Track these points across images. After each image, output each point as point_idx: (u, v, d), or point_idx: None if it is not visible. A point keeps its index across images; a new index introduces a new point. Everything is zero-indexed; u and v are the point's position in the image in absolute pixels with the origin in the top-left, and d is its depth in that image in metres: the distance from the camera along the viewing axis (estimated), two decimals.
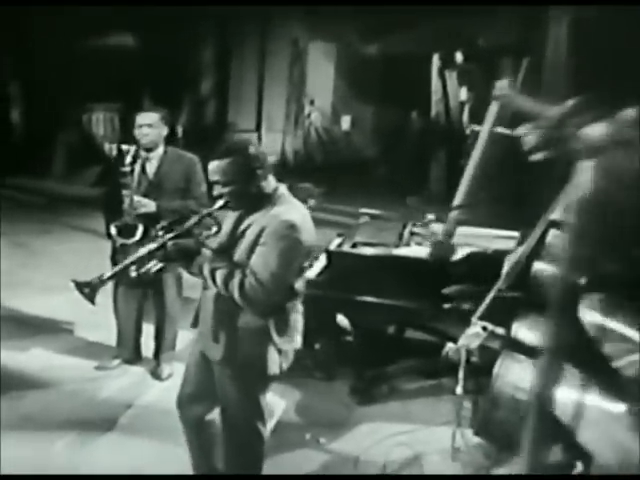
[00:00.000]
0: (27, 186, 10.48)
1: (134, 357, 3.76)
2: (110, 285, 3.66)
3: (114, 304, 3.69)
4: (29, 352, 3.72)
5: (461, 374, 2.91)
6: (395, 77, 11.06)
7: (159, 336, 3.71)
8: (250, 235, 2.10)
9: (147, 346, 3.77)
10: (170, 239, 2.02)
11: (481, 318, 3.00)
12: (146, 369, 3.71)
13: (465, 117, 10.95)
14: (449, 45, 10.71)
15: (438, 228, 4.21)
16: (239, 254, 2.12)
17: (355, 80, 11.92)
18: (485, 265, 3.27)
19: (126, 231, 3.33)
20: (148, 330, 3.76)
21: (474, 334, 2.96)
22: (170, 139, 12.11)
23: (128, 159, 3.40)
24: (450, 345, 3.12)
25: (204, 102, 12.59)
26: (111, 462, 2.81)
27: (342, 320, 3.79)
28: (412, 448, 3.09)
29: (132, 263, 2.03)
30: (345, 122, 12.39)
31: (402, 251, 3.54)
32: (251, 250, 2.09)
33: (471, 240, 3.72)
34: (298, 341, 2.34)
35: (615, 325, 2.05)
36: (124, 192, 3.37)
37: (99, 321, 3.91)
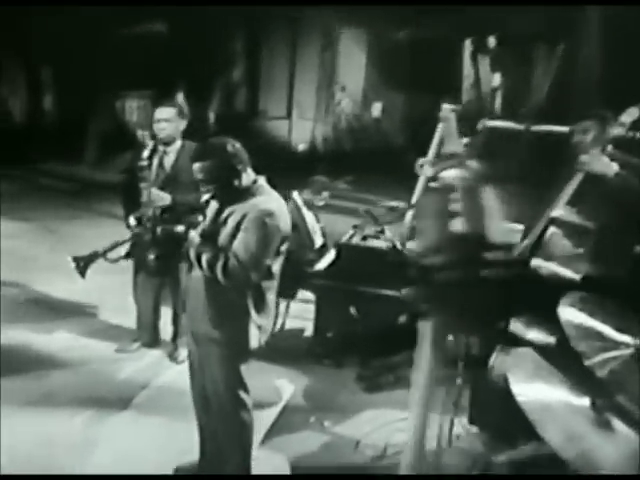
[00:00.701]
0: (60, 172, 10.91)
1: (153, 341, 3.99)
2: (131, 272, 3.93)
3: (134, 291, 3.92)
4: (54, 333, 4.00)
5: (460, 366, 3.04)
6: (426, 63, 11.02)
7: (176, 321, 3.93)
8: (232, 222, 2.33)
9: (165, 330, 4.01)
10: (160, 226, 2.23)
11: None
12: (164, 352, 3.94)
13: (497, 104, 10.89)
14: (482, 30, 10.63)
15: None
16: (222, 239, 2.34)
17: (386, 66, 11.90)
18: None
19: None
20: (167, 315, 3.99)
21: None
22: (202, 126, 12.37)
23: (146, 153, 3.59)
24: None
25: (236, 89, 12.79)
26: (125, 438, 3.05)
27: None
28: None
29: (121, 243, 2.24)
30: (376, 109, 12.37)
31: (408, 244, 3.66)
32: (233, 236, 2.31)
33: None
34: (272, 317, 2.55)
35: (593, 323, 2.14)
36: (142, 185, 3.56)
37: (121, 306, 4.17)
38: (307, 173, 10.98)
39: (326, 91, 12.23)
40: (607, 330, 2.13)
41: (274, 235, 2.34)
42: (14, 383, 3.36)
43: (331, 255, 3.73)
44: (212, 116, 12.97)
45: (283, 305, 4.36)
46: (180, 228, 2.33)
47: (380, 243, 3.73)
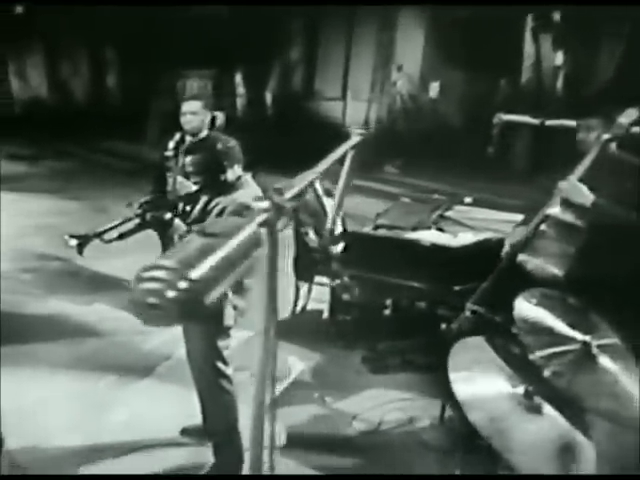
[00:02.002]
0: (121, 152, 11.60)
1: None
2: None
3: None
4: (92, 305, 4.51)
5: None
6: (486, 41, 10.88)
7: None
8: (214, 213, 2.64)
9: None
10: (150, 211, 2.58)
11: (478, 302, 3.35)
12: None
13: (559, 84, 10.68)
14: (545, 4, 10.38)
15: (476, 212, 4.53)
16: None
17: (445, 45, 11.78)
18: (489, 251, 3.56)
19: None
20: None
21: (464, 318, 3.33)
22: (258, 103, 12.75)
23: (172, 144, 3.98)
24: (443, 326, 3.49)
25: (293, 69, 13.07)
26: (141, 402, 3.49)
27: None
28: (407, 413, 3.54)
29: (116, 226, 2.60)
30: (433, 89, 12.31)
31: (413, 234, 3.90)
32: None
33: (483, 224, 4.01)
34: (250, 298, 2.87)
35: (545, 318, 2.34)
36: (168, 174, 3.97)
37: None
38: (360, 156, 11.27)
39: (382, 71, 12.29)
40: (558, 325, 2.33)
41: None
42: (51, 348, 3.91)
43: (342, 243, 4.02)
44: (269, 96, 13.36)
45: (305, 288, 4.72)
46: (168, 215, 2.68)
47: (385, 232, 3.98)
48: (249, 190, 2.72)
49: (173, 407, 3.37)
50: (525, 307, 2.37)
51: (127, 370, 3.76)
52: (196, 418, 3.10)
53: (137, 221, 2.61)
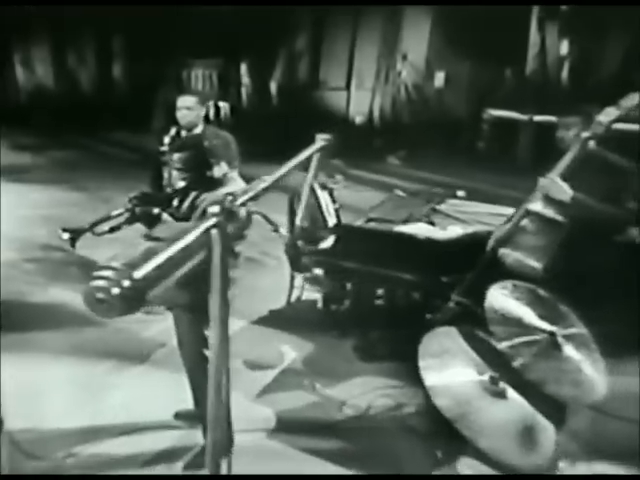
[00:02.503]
0: (127, 142, 11.79)
1: None
2: None
3: None
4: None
5: None
6: (493, 30, 10.87)
7: None
8: (200, 208, 2.78)
9: None
10: (139, 206, 2.73)
11: (462, 294, 3.50)
12: None
13: (565, 74, 10.71)
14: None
15: (468, 206, 4.66)
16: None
17: (451, 34, 11.75)
18: (475, 244, 3.69)
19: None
20: None
21: (448, 309, 3.48)
22: (263, 93, 12.92)
23: (167, 139, 4.11)
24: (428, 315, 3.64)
25: (298, 59, 13.17)
26: (137, 387, 3.67)
27: None
28: (394, 400, 3.70)
29: (107, 219, 2.75)
30: (439, 79, 12.33)
31: (403, 228, 4.04)
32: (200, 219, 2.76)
33: (474, 217, 4.14)
34: (234, 290, 3.02)
35: (515, 309, 2.48)
36: (163, 168, 4.11)
37: None
38: (363, 146, 11.36)
39: (387, 60, 12.33)
40: (527, 316, 2.48)
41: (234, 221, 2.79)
42: (52, 335, 4.10)
43: (332, 236, 4.18)
44: (274, 86, 13.48)
45: (300, 278, 4.89)
46: (156, 210, 2.83)
47: (375, 225, 4.12)
48: (234, 186, 2.87)
49: (167, 392, 3.54)
50: (496, 298, 2.52)
51: (124, 357, 3.95)
52: (188, 403, 3.27)
53: (127, 215, 2.76)
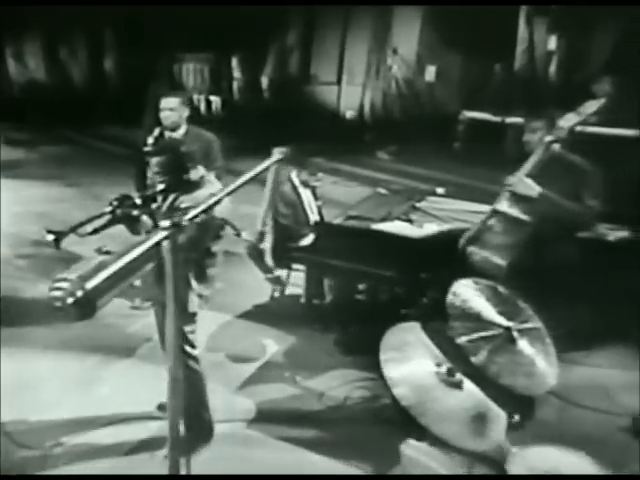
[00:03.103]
0: (119, 137, 11.88)
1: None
2: None
3: None
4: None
5: None
6: (483, 25, 10.95)
7: None
8: (180, 209, 2.94)
9: None
10: (120, 208, 2.88)
11: (436, 290, 3.67)
12: None
13: (552, 69, 10.83)
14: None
15: (447, 203, 4.83)
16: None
17: (442, 28, 11.78)
18: (448, 242, 3.86)
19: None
20: None
21: (422, 305, 3.66)
22: (254, 87, 12.98)
23: (150, 140, 4.26)
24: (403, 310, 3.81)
25: (289, 53, 13.25)
26: (123, 380, 3.85)
27: None
28: (371, 391, 3.88)
29: (90, 221, 2.90)
30: (429, 73, 12.37)
31: (380, 226, 4.20)
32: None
33: (452, 215, 4.32)
34: (215, 287, 3.20)
35: (474, 305, 2.65)
36: (147, 168, 4.26)
37: None
38: (353, 141, 11.49)
39: (378, 54, 12.38)
40: (486, 312, 2.65)
41: (209, 223, 2.96)
42: (41, 330, 4.27)
43: (312, 234, 4.35)
44: (265, 80, 13.59)
45: (284, 274, 5.06)
46: (135, 212, 2.98)
47: (354, 223, 4.29)
48: (210, 188, 3.02)
49: (151, 384, 3.67)
50: (457, 295, 2.69)
51: (111, 351, 4.13)
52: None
53: (109, 217, 2.91)
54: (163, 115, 4.41)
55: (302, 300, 4.93)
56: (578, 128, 3.32)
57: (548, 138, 3.34)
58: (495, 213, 3.50)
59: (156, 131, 4.37)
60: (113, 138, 11.92)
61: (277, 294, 5.03)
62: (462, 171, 8.84)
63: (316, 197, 4.96)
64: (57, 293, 1.26)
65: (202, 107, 14.03)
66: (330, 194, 7.44)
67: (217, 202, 1.73)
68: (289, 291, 5.09)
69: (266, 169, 2.01)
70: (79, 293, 1.25)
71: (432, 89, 12.30)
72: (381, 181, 9.24)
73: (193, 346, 3.23)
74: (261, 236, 3.38)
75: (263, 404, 3.72)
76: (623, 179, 4.41)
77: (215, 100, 13.97)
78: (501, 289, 2.76)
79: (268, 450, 3.34)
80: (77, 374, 3.90)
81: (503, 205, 3.47)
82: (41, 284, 5.08)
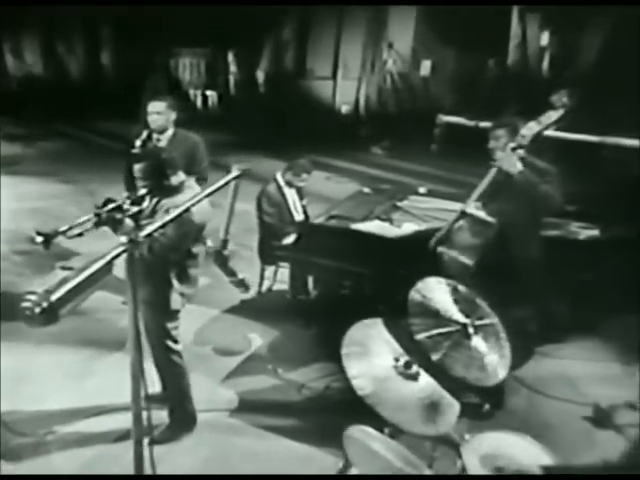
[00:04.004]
0: (114, 131, 12.08)
1: None
2: None
3: None
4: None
5: None
6: (476, 21, 11.07)
7: None
8: (159, 214, 3.17)
9: None
10: (106, 211, 3.11)
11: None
12: None
13: (545, 65, 11.01)
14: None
15: (428, 202, 5.05)
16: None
17: (437, 23, 11.80)
18: (422, 242, 4.07)
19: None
20: None
21: (398, 301, 3.88)
22: (250, 82, 13.21)
23: (138, 142, 4.50)
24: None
25: (284, 48, 13.43)
26: (113, 372, 4.09)
27: None
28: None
29: (77, 224, 3.12)
30: (425, 67, 12.51)
31: (359, 225, 4.44)
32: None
33: (432, 214, 4.55)
34: (196, 286, 3.44)
35: (437, 303, 2.88)
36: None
37: None
38: (348, 136, 11.68)
39: (373, 49, 12.54)
40: (444, 310, 2.88)
41: (189, 227, 3.18)
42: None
43: (294, 233, 4.60)
44: (261, 75, 13.79)
45: (271, 271, 5.31)
46: (119, 215, 3.20)
47: (335, 223, 4.52)
48: (190, 193, 3.24)
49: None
50: (418, 293, 2.92)
51: (102, 344, 4.38)
52: (157, 386, 3.70)
53: (94, 220, 3.13)
54: (150, 119, 4.63)
55: (288, 296, 5.17)
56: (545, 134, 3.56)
57: (511, 145, 3.58)
58: (463, 215, 3.73)
59: (144, 134, 4.64)
60: (109, 133, 12.14)
61: (264, 290, 5.28)
62: (454, 167, 9.04)
63: (301, 197, 5.20)
64: (27, 304, 1.52)
65: (198, 102, 14.25)
66: (322, 190, 7.70)
67: (172, 219, 1.96)
68: (276, 287, 5.35)
69: (226, 184, 2.24)
70: (45, 304, 1.51)
71: (427, 84, 12.47)
72: (374, 177, 9.49)
73: (176, 342, 3.47)
74: (224, 243, 3.62)
75: (245, 394, 3.98)
76: (591, 181, 4.65)
77: (211, 95, 14.19)
78: (460, 287, 2.98)
79: (248, 437, 3.59)
80: (70, 367, 4.16)
81: (471, 207, 3.70)
82: (37, 280, 5.33)
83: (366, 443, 2.44)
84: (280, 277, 5.30)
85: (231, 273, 3.83)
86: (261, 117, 12.32)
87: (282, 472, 3.31)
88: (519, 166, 3.59)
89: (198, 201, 2.06)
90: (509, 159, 3.60)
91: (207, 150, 4.85)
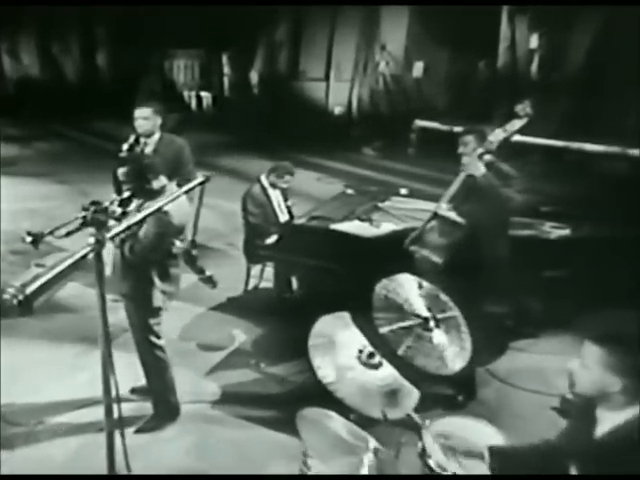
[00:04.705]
0: (109, 132, 12.29)
1: None
2: None
3: None
4: (68, 284, 5.32)
5: None
6: (467, 23, 11.23)
7: None
8: (141, 215, 3.34)
9: None
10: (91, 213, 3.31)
11: None
12: None
13: (534, 67, 11.21)
14: None
15: (408, 203, 5.27)
16: (135, 227, 3.33)
17: (430, 23, 11.90)
18: (397, 241, 4.28)
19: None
20: None
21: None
22: (244, 83, 13.42)
23: (125, 146, 4.72)
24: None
25: (278, 50, 13.63)
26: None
27: None
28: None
29: (64, 225, 3.31)
30: (417, 69, 12.69)
31: (338, 225, 4.65)
32: (140, 225, 3.36)
33: (411, 214, 4.76)
34: (178, 284, 3.65)
35: (401, 299, 3.09)
36: None
37: None
38: (341, 137, 11.87)
39: (365, 50, 12.72)
40: (408, 304, 3.09)
41: (167, 228, 3.40)
42: (29, 322, 4.74)
43: (276, 233, 4.82)
44: (255, 76, 14.00)
45: (258, 270, 5.53)
46: (103, 217, 3.39)
47: (315, 223, 4.73)
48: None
49: (127, 371, 4.15)
50: (384, 288, 3.13)
51: (92, 340, 4.56)
52: (143, 380, 3.92)
53: (80, 221, 3.33)
54: (137, 124, 4.85)
55: (273, 294, 5.39)
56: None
57: (479, 151, 3.81)
58: (435, 216, 3.95)
59: (131, 138, 4.86)
60: (105, 134, 12.35)
61: (250, 288, 5.50)
62: (445, 169, 9.24)
63: (286, 198, 5.41)
64: (6, 296, 1.73)
65: (193, 103, 14.47)
66: (313, 191, 7.92)
67: (138, 222, 2.17)
68: (263, 285, 5.57)
69: (192, 189, 2.45)
70: (20, 297, 1.72)
71: (420, 85, 12.66)
72: (364, 178, 9.71)
73: (158, 337, 3.69)
74: (192, 244, 3.84)
75: (227, 387, 4.20)
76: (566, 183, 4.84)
77: (206, 96, 14.41)
78: (425, 283, 3.19)
79: (229, 427, 3.82)
80: (61, 362, 4.38)
81: (442, 209, 3.92)
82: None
83: (317, 420, 2.64)
84: (266, 276, 5.53)
85: (200, 271, 4.03)
86: (255, 118, 12.52)
87: (260, 459, 3.54)
88: (482, 169, 3.82)
89: (161, 207, 2.27)
90: (474, 163, 3.83)
91: (192, 152, 5.08)
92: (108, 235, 2.00)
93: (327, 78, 13.04)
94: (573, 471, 2.18)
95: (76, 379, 4.18)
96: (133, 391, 4.04)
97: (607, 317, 2.18)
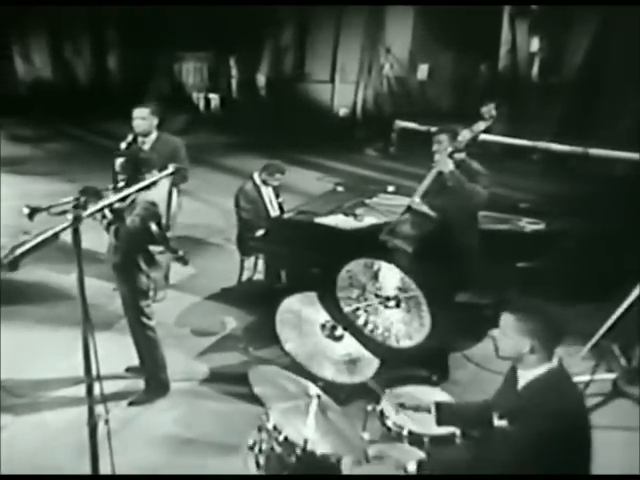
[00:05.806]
0: (118, 133, 12.75)
1: None
2: None
3: None
4: (70, 275, 5.73)
5: None
6: (472, 24, 11.48)
7: None
8: (115, 199, 3.75)
9: None
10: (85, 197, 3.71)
11: None
12: None
13: (535, 70, 11.50)
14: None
15: (393, 200, 5.64)
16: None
17: (435, 26, 12.19)
18: (378, 232, 4.64)
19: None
20: None
21: None
22: (251, 85, 13.82)
23: (124, 145, 5.12)
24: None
25: (284, 52, 14.02)
26: (102, 350, 4.68)
27: None
28: None
29: (61, 204, 3.70)
30: (422, 71, 12.97)
31: (322, 219, 5.03)
32: (131, 214, 3.76)
33: (394, 209, 5.13)
34: (163, 270, 4.04)
35: (364, 280, 3.46)
36: None
37: None
38: (346, 138, 12.23)
39: (370, 53, 13.07)
40: (370, 285, 3.47)
41: (152, 217, 3.79)
42: (33, 308, 5.18)
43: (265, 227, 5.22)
44: (262, 78, 14.42)
45: (251, 262, 5.92)
46: (95, 201, 3.78)
47: (302, 217, 5.12)
48: (162, 190, 3.85)
49: (123, 352, 4.58)
50: (349, 272, 3.51)
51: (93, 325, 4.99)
52: (137, 360, 4.32)
53: (74, 203, 3.71)
54: (135, 123, 5.26)
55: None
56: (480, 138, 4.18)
57: (449, 149, 4.19)
58: (409, 209, 4.32)
59: (129, 137, 5.26)
60: (113, 135, 12.74)
61: (244, 279, 5.89)
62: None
63: (277, 195, 5.80)
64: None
65: (201, 105, 14.93)
66: (312, 190, 8.29)
67: (110, 204, 2.57)
68: (256, 277, 5.96)
69: (160, 179, 2.85)
70: (11, 257, 2.13)
71: (424, 87, 12.96)
72: (364, 178, 10.07)
73: (149, 318, 4.09)
74: (167, 227, 4.18)
75: (216, 368, 4.59)
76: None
77: (214, 98, 14.85)
78: (387, 265, 3.55)
79: (214, 401, 4.21)
80: (63, 344, 4.77)
81: (415, 202, 4.29)
82: (37, 270, 5.95)
83: (265, 372, 3.00)
84: (260, 268, 5.92)
85: (173, 251, 4.37)
86: (261, 119, 12.91)
87: (241, 429, 3.91)
88: (451, 166, 4.18)
89: (130, 194, 2.69)
90: (444, 160, 4.20)
91: (200, 152, 5.48)
92: (84, 214, 2.38)
93: (332, 80, 13.39)
94: (503, 422, 2.57)
95: (76, 359, 4.56)
96: (128, 370, 4.44)
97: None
